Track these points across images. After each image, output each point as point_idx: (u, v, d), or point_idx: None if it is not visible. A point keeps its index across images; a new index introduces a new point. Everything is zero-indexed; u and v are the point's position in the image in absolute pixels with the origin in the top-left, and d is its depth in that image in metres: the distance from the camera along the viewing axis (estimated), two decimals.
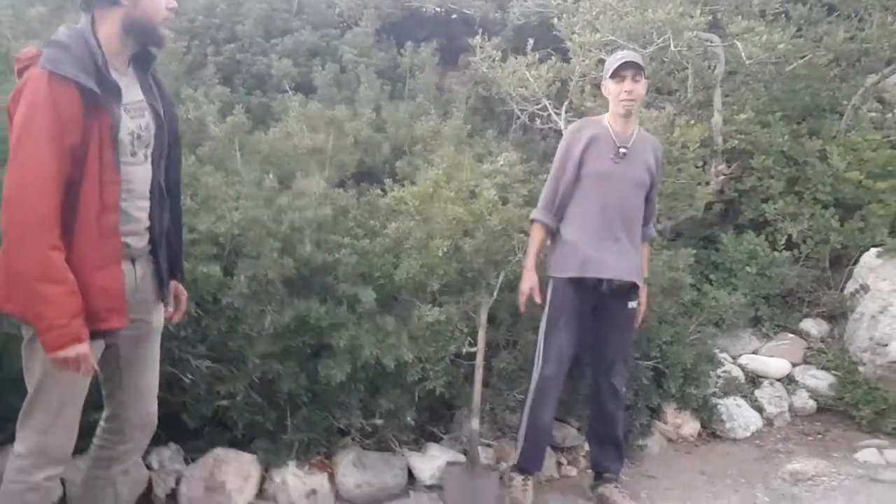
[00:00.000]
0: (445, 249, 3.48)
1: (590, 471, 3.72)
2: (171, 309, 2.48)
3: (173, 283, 2.47)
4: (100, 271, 2.07)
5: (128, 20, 2.12)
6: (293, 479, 3.31)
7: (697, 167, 5.23)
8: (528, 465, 3.51)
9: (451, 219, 3.55)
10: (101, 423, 2.42)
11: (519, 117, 5.76)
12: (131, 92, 2.19)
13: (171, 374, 3.05)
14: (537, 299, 3.48)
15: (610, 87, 3.44)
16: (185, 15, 6.63)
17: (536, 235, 3.55)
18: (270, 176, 3.84)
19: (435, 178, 3.87)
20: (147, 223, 2.27)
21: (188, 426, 3.24)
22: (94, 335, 2.07)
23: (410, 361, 3.36)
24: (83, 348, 2.02)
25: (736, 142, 5.33)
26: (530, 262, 3.52)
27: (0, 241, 2.05)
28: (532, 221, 3.58)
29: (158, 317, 2.42)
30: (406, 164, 4.91)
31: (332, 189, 4.14)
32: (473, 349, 3.58)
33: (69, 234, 2.02)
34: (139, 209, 2.23)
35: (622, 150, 3.41)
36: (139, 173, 2.21)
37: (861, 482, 3.86)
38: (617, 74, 3.40)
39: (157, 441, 3.03)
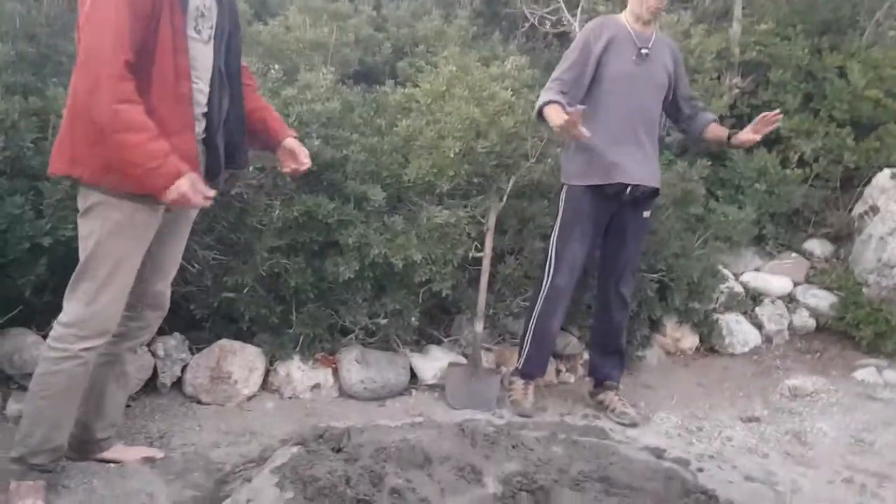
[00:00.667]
0: (457, 150, 3.38)
1: (587, 378, 3.73)
2: (290, 167, 2.54)
3: (288, 140, 2.53)
4: (176, 136, 2.12)
5: None
6: (298, 372, 3.32)
7: (712, 79, 5.10)
8: (531, 370, 3.50)
9: (465, 118, 3.43)
10: None
11: (528, 20, 5.54)
12: None
13: None
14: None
15: None
16: None
17: (555, 109, 3.19)
18: (276, 67, 3.69)
19: (448, 75, 3.73)
20: (205, 108, 2.27)
21: (193, 317, 3.21)
22: (160, 201, 2.13)
23: (419, 262, 3.31)
24: (188, 179, 2.06)
25: (754, 53, 5.17)
26: (557, 112, 3.16)
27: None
28: (547, 104, 3.22)
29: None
30: (408, 66, 4.76)
31: (337, 83, 4.00)
32: (480, 254, 3.54)
33: (147, 98, 2.06)
34: (199, 92, 2.24)
35: (644, 50, 3.29)
36: (202, 52, 2.22)
37: (859, 399, 3.89)
38: None
39: (162, 332, 3.00)
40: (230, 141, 2.39)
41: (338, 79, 4.46)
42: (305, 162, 2.53)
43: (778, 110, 3.46)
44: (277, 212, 3.12)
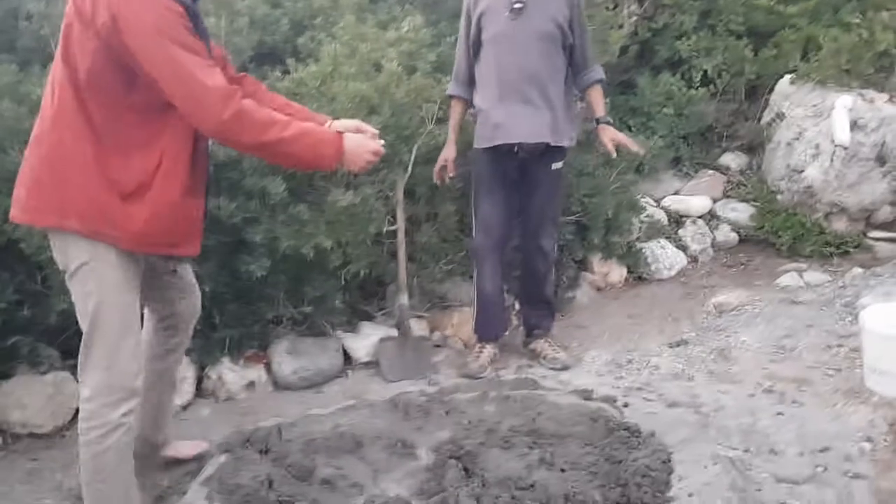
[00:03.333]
0: None
1: (521, 328, 3.82)
2: None
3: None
4: (196, 196, 2.15)
5: None
6: (229, 373, 3.33)
7: (609, 9, 5.11)
8: (480, 332, 3.59)
9: (354, 96, 3.41)
10: (154, 325, 2.48)
11: None
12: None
13: None
14: (450, 172, 3.46)
15: None
16: None
17: (454, 109, 3.52)
18: None
19: (334, 53, 3.70)
20: None
21: None
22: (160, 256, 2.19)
23: (330, 248, 3.32)
24: (354, 139, 2.21)
25: None
26: (450, 135, 3.50)
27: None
28: (448, 97, 3.53)
29: None
30: (308, 40, 4.68)
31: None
32: (394, 227, 3.56)
33: (185, 154, 2.07)
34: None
35: (517, 4, 3.24)
36: None
37: (782, 306, 4.02)
38: None
39: None
40: None
41: (238, 67, 4.39)
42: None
43: (640, 150, 3.56)
44: None
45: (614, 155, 3.54)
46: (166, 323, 2.48)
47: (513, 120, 3.27)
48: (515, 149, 3.30)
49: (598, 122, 3.47)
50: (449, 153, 3.46)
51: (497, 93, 3.29)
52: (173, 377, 2.61)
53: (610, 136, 3.47)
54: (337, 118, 3.39)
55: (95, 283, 2.05)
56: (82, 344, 2.09)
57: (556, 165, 3.43)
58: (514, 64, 3.27)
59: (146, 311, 2.46)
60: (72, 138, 1.99)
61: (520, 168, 3.41)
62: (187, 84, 1.93)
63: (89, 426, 2.07)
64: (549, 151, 3.35)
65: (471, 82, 3.44)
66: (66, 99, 1.98)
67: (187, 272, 2.51)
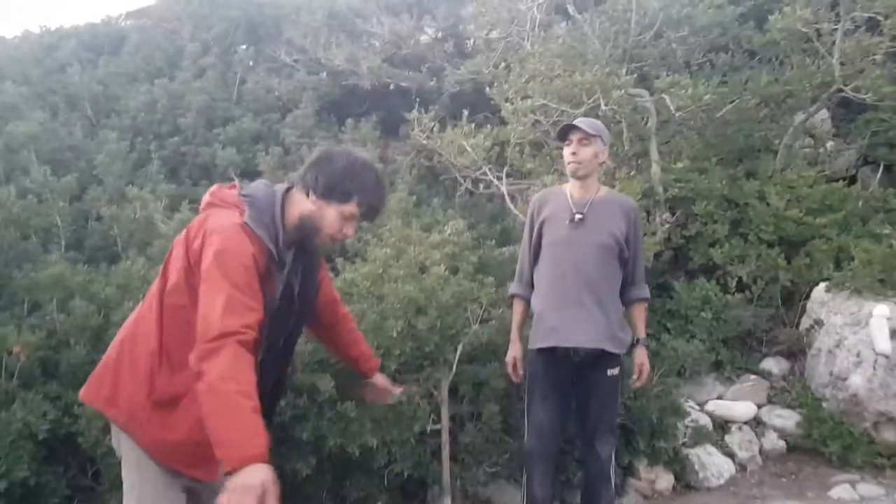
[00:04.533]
0: (400, 329, 3.47)
1: None
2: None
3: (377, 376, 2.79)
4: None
5: (307, 215, 2.22)
6: None
7: (641, 218, 5.34)
8: None
9: (403, 297, 3.55)
10: None
11: (462, 184, 5.85)
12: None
13: None
14: (519, 371, 3.47)
15: (563, 152, 3.50)
16: (127, 112, 6.67)
17: (516, 308, 3.57)
18: None
19: (384, 257, 3.90)
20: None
21: None
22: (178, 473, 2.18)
23: (375, 447, 3.32)
24: (259, 477, 1.91)
25: (676, 190, 5.45)
26: (513, 333, 3.53)
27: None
28: (510, 297, 3.61)
29: None
30: (355, 241, 4.93)
31: None
32: (438, 426, 3.56)
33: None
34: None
35: (578, 215, 3.36)
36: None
37: None
38: (564, 138, 3.42)
39: None
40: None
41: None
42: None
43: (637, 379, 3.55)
44: None
45: (636, 383, 3.55)
46: None
47: (568, 324, 3.30)
48: (571, 353, 3.33)
49: (637, 340, 3.52)
50: (515, 351, 3.48)
51: (553, 296, 3.37)
52: None
53: (640, 360, 3.51)
54: (385, 318, 3.56)
55: (138, 476, 2.15)
56: None
57: (613, 372, 3.38)
58: (571, 270, 3.34)
59: None
60: (143, 339, 2.16)
61: (575, 373, 3.39)
62: (204, 304, 2.01)
63: None
64: (603, 357, 3.33)
65: (531, 284, 3.51)
66: (152, 307, 2.18)
67: None
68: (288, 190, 2.27)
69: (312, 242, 2.28)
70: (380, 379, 2.79)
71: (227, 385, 1.93)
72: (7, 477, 2.78)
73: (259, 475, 1.87)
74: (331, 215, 2.21)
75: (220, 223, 2.11)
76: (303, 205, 2.22)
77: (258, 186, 2.26)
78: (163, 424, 2.12)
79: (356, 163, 2.24)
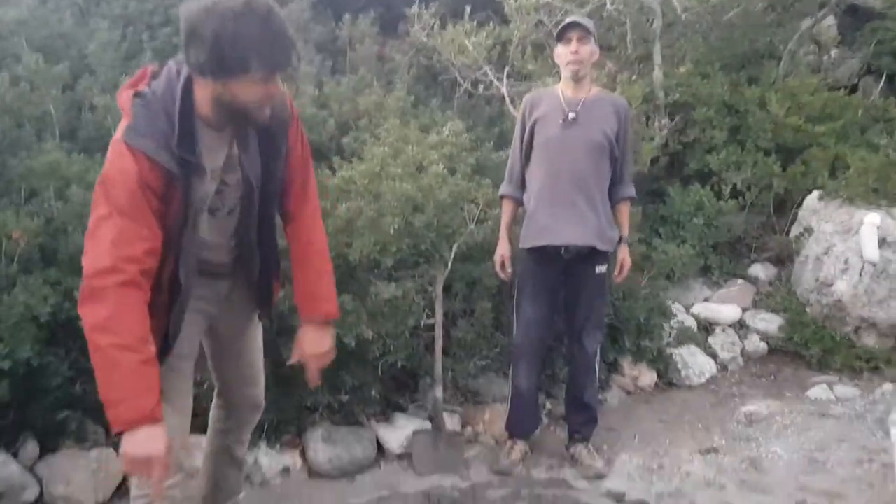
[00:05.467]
0: (397, 226, 3.52)
1: (552, 427, 3.85)
2: (293, 358, 2.48)
3: (308, 329, 2.45)
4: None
5: (217, 99, 1.94)
6: (265, 458, 3.38)
7: (641, 123, 5.33)
8: (512, 429, 3.63)
9: (400, 195, 3.58)
10: (215, 399, 2.60)
11: (461, 84, 5.78)
12: (220, 151, 2.07)
13: None
14: (507, 269, 3.56)
15: (559, 51, 3.46)
16: (118, 1, 6.50)
17: (505, 208, 3.64)
18: None
19: (381, 155, 3.90)
20: (231, 267, 2.30)
21: None
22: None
23: (371, 338, 3.42)
24: (154, 437, 1.87)
25: (677, 95, 5.42)
26: (502, 232, 3.60)
27: None
28: (500, 197, 3.67)
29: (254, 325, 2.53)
30: (353, 140, 4.92)
31: None
32: (432, 321, 3.66)
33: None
34: (217, 258, 2.25)
35: (571, 114, 3.40)
36: (218, 226, 2.18)
37: (812, 418, 4.03)
38: (563, 37, 3.39)
39: None
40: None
41: None
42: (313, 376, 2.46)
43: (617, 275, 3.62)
44: None
45: (617, 279, 3.65)
46: (220, 401, 2.59)
47: (559, 223, 3.39)
48: (561, 251, 3.41)
49: (620, 239, 3.59)
50: (504, 250, 3.56)
51: (545, 196, 3.43)
52: (232, 454, 2.63)
53: (622, 256, 3.60)
54: (382, 215, 3.60)
55: None
56: None
57: (601, 269, 3.50)
58: (563, 168, 3.40)
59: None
60: None
61: (564, 270, 3.51)
62: (88, 237, 1.90)
63: (136, 495, 2.17)
64: (593, 255, 3.44)
65: (522, 184, 3.58)
66: None
67: (246, 364, 2.53)
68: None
69: (253, 122, 2.01)
70: (315, 332, 2.46)
71: (103, 338, 1.82)
72: (11, 357, 2.85)
73: (145, 447, 1.82)
74: (241, 92, 1.89)
75: (113, 141, 1.94)
76: (207, 89, 1.92)
77: (162, 76, 1.97)
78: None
79: (226, 22, 1.79)
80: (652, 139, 5.28)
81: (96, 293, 1.84)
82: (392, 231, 3.51)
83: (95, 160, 4.09)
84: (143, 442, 1.83)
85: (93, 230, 1.89)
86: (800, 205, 5.30)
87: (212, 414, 2.63)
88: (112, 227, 1.85)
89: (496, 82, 5.29)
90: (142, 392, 1.85)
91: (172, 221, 1.99)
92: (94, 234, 1.88)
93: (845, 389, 4.40)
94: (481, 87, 5.74)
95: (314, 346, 2.42)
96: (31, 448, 3.06)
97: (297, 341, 2.43)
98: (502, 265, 3.56)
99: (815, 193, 5.15)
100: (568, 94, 3.46)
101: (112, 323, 1.83)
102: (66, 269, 3.26)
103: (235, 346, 2.51)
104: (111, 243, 1.84)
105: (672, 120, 5.48)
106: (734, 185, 5.32)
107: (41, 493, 3.01)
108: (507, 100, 5.32)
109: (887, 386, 4.37)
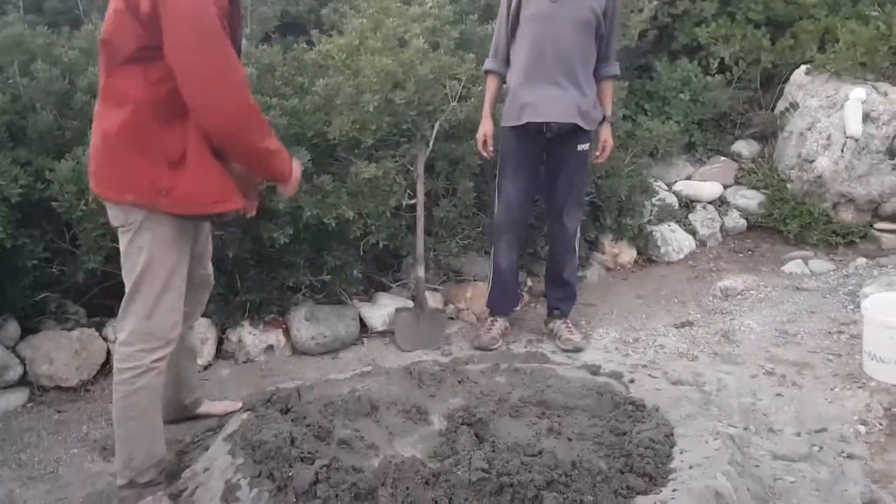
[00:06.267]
0: (376, 104, 3.45)
1: (533, 304, 3.94)
2: None
3: None
4: (219, 157, 2.20)
5: None
6: (249, 336, 3.45)
7: None
8: (493, 306, 3.71)
9: (380, 71, 3.49)
10: None
11: None
12: None
13: (114, 247, 3.08)
14: (490, 148, 3.52)
15: None
16: None
17: (489, 84, 3.56)
18: None
19: (360, 28, 3.78)
20: None
21: None
22: (207, 217, 2.29)
23: (351, 218, 3.42)
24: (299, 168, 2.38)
25: None
26: (485, 110, 3.54)
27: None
28: (484, 72, 3.58)
29: None
30: (332, 12, 4.75)
31: (257, 46, 4.02)
32: (413, 201, 3.66)
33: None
34: None
35: None
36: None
37: (786, 292, 4.13)
38: None
39: (111, 313, 3.12)
40: None
41: (260, 37, 4.48)
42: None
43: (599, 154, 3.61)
44: None
45: (599, 160, 3.63)
46: None
47: (541, 100, 3.33)
48: (543, 129, 3.37)
49: (604, 118, 3.54)
50: (487, 128, 3.51)
51: (527, 72, 3.36)
52: (186, 344, 2.69)
53: (604, 136, 3.57)
54: (361, 92, 3.52)
55: (149, 238, 2.20)
56: (127, 292, 2.25)
57: (583, 147, 3.48)
58: (548, 45, 3.32)
59: None
60: (121, 116, 2.11)
61: (546, 148, 3.48)
62: (205, 69, 2.02)
63: (124, 367, 2.25)
64: (575, 133, 3.41)
65: (508, 60, 3.49)
66: (112, 79, 2.13)
67: (200, 243, 2.56)
68: None
69: None
70: None
71: (272, 135, 2.25)
72: None
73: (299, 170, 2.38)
74: None
75: None
76: None
77: None
78: (185, 178, 2.14)
79: None
80: (641, 11, 5.12)
81: (251, 111, 2.15)
82: (371, 109, 3.45)
83: (62, 34, 3.94)
84: (298, 174, 2.36)
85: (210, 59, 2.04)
86: (787, 80, 5.22)
87: None
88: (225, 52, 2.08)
89: None
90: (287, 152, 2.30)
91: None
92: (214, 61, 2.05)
93: (820, 264, 4.49)
94: None
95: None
96: (11, 328, 3.10)
97: None
98: (484, 143, 3.53)
99: (803, 68, 5.07)
100: None
101: (266, 123, 2.24)
102: (35, 149, 3.20)
103: None
104: (234, 66, 2.10)
105: None
106: (722, 60, 5.22)
107: (24, 373, 3.08)
108: None
109: (861, 260, 4.47)
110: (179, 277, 2.28)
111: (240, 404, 2.81)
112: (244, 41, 3.67)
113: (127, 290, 2.25)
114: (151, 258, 2.20)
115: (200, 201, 2.18)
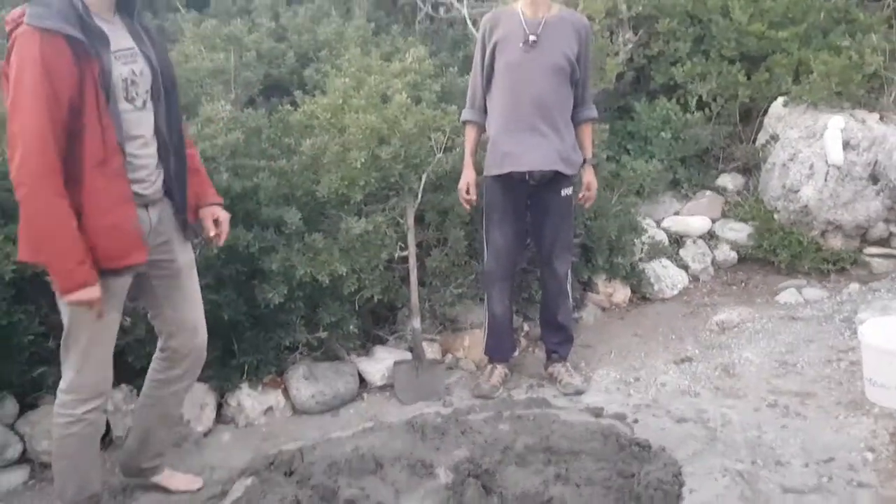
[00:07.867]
0: (363, 160, 3.48)
1: (531, 349, 3.93)
2: (211, 233, 2.63)
3: (210, 209, 2.63)
4: (110, 213, 2.21)
5: None
6: (248, 399, 3.42)
7: (604, 38, 5.26)
8: (491, 353, 3.71)
9: (365, 128, 3.54)
10: (157, 350, 2.66)
11: (422, 8, 5.65)
12: (120, 39, 2.27)
13: None
14: (472, 196, 3.54)
15: None
16: None
17: (468, 134, 3.60)
18: None
19: (343, 86, 3.83)
20: (156, 168, 2.39)
21: (133, 368, 3.28)
22: (117, 272, 2.27)
23: (344, 274, 3.43)
24: (89, 293, 2.17)
25: (640, 7, 5.33)
26: (466, 159, 3.57)
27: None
28: (463, 123, 3.63)
29: (186, 256, 2.59)
30: (314, 72, 4.83)
31: (242, 110, 4.07)
32: (405, 253, 3.67)
33: (78, 182, 2.15)
34: (145, 156, 2.35)
35: (531, 37, 3.33)
36: (139, 119, 2.32)
37: (782, 322, 4.14)
38: None
39: None
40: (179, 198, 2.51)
41: (245, 101, 4.53)
42: (221, 234, 2.66)
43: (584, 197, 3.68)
44: (198, 251, 3.19)
45: (587, 203, 3.72)
46: (165, 354, 2.64)
47: (522, 148, 3.37)
48: (526, 177, 3.41)
49: (584, 161, 3.59)
50: (469, 177, 3.54)
51: (506, 121, 3.40)
52: (168, 409, 2.70)
53: (588, 178, 3.63)
54: (347, 149, 3.56)
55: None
56: (62, 342, 2.36)
57: (566, 192, 3.51)
58: (524, 93, 3.37)
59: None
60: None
61: (530, 195, 3.51)
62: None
63: (60, 412, 2.39)
64: (557, 178, 3.45)
65: (485, 109, 3.53)
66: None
67: (186, 312, 2.59)
68: None
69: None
70: (216, 210, 2.69)
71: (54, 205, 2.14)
72: None
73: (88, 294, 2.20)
74: None
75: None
76: None
77: None
78: (93, 235, 2.19)
79: None
80: (616, 54, 5.22)
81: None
82: (359, 165, 3.48)
83: None
84: (84, 294, 2.17)
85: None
86: (765, 113, 5.30)
87: (153, 365, 2.69)
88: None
89: (457, 4, 5.17)
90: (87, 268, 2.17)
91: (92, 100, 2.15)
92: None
93: (813, 292, 4.51)
94: (442, 10, 5.62)
95: (225, 216, 2.68)
96: (10, 406, 3.08)
97: (207, 219, 2.63)
98: (467, 192, 3.55)
99: (780, 100, 5.15)
100: (527, 13, 3.39)
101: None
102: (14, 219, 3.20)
103: (173, 288, 2.55)
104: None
105: (636, 34, 5.41)
106: (700, 97, 5.30)
107: (24, 450, 3.05)
108: (469, 22, 5.22)
109: (853, 286, 4.49)
110: (105, 336, 2.35)
111: (200, 482, 2.84)
112: (228, 106, 3.74)
113: (62, 342, 2.35)
114: (73, 315, 2.27)
115: (101, 257, 2.21)
